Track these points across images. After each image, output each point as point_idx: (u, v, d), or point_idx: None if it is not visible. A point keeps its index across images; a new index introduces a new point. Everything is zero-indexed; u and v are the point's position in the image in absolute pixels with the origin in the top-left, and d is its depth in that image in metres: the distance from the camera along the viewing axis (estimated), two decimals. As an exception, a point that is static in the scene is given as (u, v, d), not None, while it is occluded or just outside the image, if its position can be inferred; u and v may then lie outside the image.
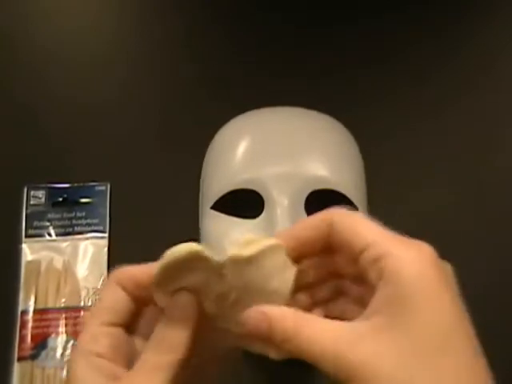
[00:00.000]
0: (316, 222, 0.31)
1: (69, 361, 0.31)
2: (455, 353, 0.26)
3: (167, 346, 0.30)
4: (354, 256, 0.30)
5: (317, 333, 0.28)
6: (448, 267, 0.29)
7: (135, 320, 0.32)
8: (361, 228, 0.30)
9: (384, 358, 0.26)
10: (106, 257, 0.56)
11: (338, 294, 0.33)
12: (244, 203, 0.50)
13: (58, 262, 0.55)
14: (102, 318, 0.31)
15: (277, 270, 0.30)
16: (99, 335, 0.31)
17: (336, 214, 0.31)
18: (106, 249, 0.56)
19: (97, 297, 0.32)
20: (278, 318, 0.29)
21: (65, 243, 0.56)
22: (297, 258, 0.32)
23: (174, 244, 0.28)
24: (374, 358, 0.26)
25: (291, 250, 0.31)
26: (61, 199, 0.58)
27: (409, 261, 0.28)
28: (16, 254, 0.56)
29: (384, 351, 0.26)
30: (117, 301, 0.32)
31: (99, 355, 0.30)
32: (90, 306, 0.53)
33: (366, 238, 0.29)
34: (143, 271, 0.32)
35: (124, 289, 0.32)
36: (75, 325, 0.53)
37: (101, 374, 0.29)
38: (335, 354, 0.27)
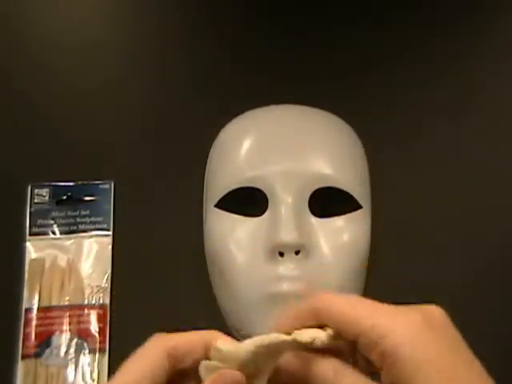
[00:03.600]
0: (302, 313, 0.32)
1: None
2: None
3: None
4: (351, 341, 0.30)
5: None
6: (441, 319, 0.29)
7: None
8: (348, 315, 0.30)
9: None
10: (110, 255, 0.56)
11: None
12: (248, 201, 0.50)
13: (62, 260, 0.55)
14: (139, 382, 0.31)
15: None
16: None
17: (320, 302, 0.31)
18: (110, 247, 0.56)
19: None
20: None
21: (69, 241, 0.56)
22: None
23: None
24: None
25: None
26: (65, 197, 0.58)
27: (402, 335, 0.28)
28: (20, 252, 0.55)
29: None
30: (159, 370, 0.31)
31: None
32: (94, 305, 0.53)
33: (357, 325, 0.29)
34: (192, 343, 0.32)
35: (169, 357, 0.31)
36: (79, 323, 0.52)
37: None
38: None
